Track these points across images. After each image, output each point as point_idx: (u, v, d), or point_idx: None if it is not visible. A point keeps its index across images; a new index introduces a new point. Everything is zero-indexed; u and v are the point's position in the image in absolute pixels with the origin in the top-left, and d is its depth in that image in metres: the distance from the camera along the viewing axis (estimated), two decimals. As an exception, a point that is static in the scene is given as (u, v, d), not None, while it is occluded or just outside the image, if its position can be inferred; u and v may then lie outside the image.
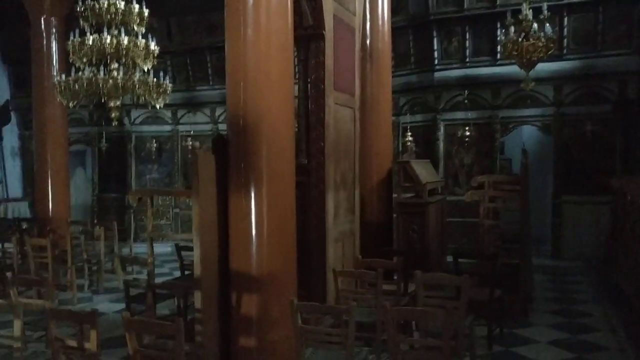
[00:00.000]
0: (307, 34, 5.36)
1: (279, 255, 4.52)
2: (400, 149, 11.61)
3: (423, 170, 8.21)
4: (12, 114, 14.78)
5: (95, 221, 11.55)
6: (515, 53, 7.03)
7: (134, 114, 13.66)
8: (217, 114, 13.19)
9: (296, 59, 5.20)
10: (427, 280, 4.66)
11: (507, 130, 10.63)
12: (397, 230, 7.83)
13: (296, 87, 5.45)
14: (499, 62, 10.40)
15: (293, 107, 4.80)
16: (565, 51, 10.01)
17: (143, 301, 5.25)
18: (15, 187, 14.73)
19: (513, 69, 9.91)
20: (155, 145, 13.53)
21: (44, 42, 9.58)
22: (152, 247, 5.29)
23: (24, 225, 9.96)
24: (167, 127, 13.61)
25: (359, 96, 6.30)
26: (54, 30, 9.60)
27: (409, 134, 10.91)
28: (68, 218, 9.54)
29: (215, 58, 12.81)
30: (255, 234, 4.46)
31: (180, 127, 13.56)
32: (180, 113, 13.56)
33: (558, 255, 10.24)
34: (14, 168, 14.82)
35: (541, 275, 8.97)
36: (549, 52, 7.03)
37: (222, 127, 12.62)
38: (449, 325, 3.51)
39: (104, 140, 13.56)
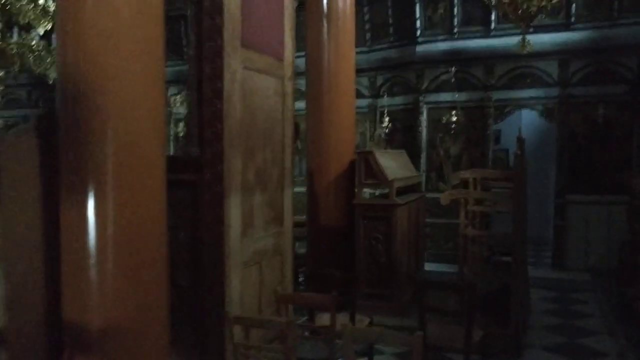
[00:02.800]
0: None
1: (134, 296, 2.86)
2: (377, 138, 9.91)
3: (392, 163, 6.52)
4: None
5: None
6: (510, 9, 5.32)
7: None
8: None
9: None
10: (362, 337, 3.00)
11: (503, 115, 8.92)
12: (358, 238, 6.17)
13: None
14: (493, 33, 8.68)
15: (163, 67, 3.10)
16: (573, 19, 8.27)
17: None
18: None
19: (510, 41, 8.21)
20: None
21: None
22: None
23: None
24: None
25: (291, 62, 4.59)
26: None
27: (387, 119, 9.21)
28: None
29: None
30: (96, 261, 2.81)
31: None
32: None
33: (561, 264, 8.57)
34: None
35: (540, 291, 7.31)
36: (552, 1, 5.31)
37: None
38: None
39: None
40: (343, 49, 6.62)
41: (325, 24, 6.51)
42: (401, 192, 6.96)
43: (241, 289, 3.89)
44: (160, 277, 3.01)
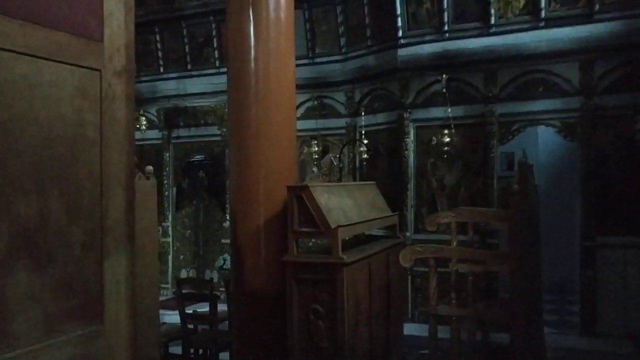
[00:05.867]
0: None
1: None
2: (357, 164, 8.07)
3: (345, 201, 4.66)
4: None
5: None
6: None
7: None
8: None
9: None
10: None
11: (509, 134, 6.99)
12: (290, 311, 4.27)
13: None
14: (493, 30, 6.82)
15: None
16: (597, 7, 6.37)
17: None
18: None
19: (516, 39, 6.38)
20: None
21: None
22: None
23: None
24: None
25: (124, 47, 2.79)
26: None
27: (365, 141, 7.36)
28: None
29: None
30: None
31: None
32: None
33: (592, 329, 6.49)
34: None
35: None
36: None
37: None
38: None
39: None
40: (278, 56, 4.86)
41: (251, 25, 4.79)
42: (362, 241, 5.11)
43: None
44: None
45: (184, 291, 6.85)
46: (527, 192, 3.78)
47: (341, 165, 4.78)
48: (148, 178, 4.16)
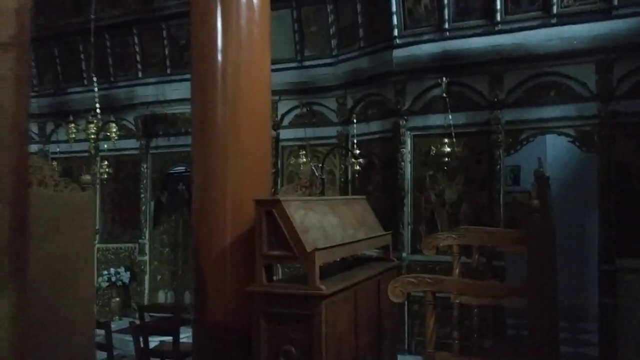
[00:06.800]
0: None
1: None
2: (349, 177, 7.36)
3: (328, 219, 3.94)
4: None
5: None
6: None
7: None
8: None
9: None
10: None
11: (518, 144, 6.25)
12: (257, 352, 3.52)
13: None
14: (500, 28, 6.13)
15: None
16: (616, 1, 5.68)
17: None
18: None
19: (525, 38, 5.72)
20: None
21: None
22: None
23: None
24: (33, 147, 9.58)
25: (19, 13, 2.05)
26: None
27: (357, 151, 6.64)
28: None
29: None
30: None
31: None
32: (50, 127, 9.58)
33: (612, 363, 5.72)
34: None
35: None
36: None
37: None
38: None
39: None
40: (250, 52, 4.19)
41: (219, 20, 4.14)
42: (349, 264, 4.41)
43: None
44: None
45: (150, 318, 6.09)
46: (546, 210, 3.06)
47: (324, 177, 4.06)
48: (84, 190, 3.44)
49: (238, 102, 4.07)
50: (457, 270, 3.37)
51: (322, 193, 4.13)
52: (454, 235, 3.44)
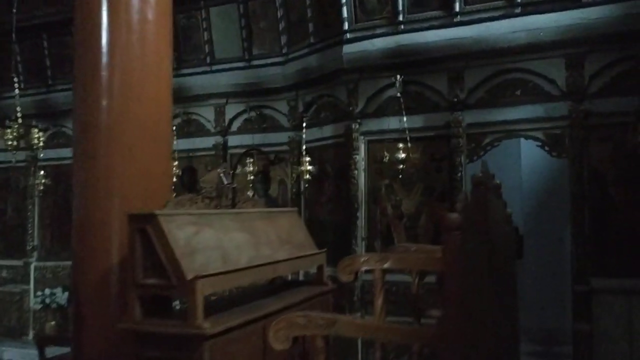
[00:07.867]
0: None
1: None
2: (301, 188, 6.66)
3: (233, 237, 3.24)
4: None
5: None
6: None
7: None
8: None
9: None
10: None
11: (480, 149, 5.59)
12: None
13: None
14: (459, 19, 5.48)
15: None
16: (587, -13, 5.07)
17: None
18: None
19: (487, 30, 5.09)
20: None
21: None
22: None
23: None
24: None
25: None
26: None
27: (307, 159, 5.96)
28: None
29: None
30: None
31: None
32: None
33: (588, 398, 5.02)
34: None
35: None
36: None
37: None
38: None
39: None
40: (143, 35, 3.50)
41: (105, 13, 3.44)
42: (277, 288, 3.72)
43: None
44: None
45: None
46: (485, 225, 2.37)
47: (235, 185, 3.39)
48: None
49: (127, 91, 3.36)
50: (379, 301, 2.67)
51: (233, 205, 3.45)
52: (376, 258, 2.75)
